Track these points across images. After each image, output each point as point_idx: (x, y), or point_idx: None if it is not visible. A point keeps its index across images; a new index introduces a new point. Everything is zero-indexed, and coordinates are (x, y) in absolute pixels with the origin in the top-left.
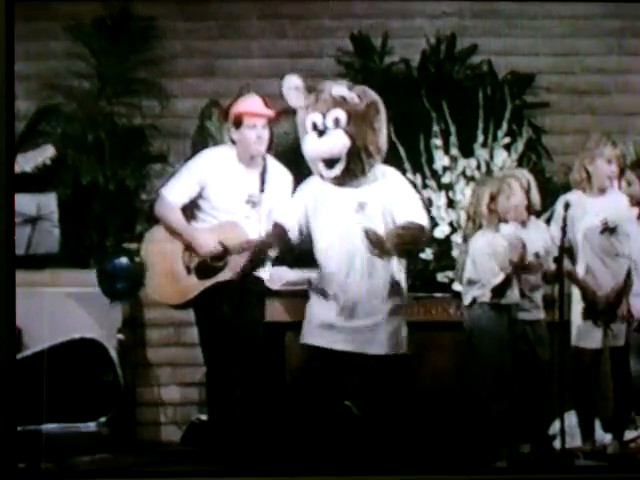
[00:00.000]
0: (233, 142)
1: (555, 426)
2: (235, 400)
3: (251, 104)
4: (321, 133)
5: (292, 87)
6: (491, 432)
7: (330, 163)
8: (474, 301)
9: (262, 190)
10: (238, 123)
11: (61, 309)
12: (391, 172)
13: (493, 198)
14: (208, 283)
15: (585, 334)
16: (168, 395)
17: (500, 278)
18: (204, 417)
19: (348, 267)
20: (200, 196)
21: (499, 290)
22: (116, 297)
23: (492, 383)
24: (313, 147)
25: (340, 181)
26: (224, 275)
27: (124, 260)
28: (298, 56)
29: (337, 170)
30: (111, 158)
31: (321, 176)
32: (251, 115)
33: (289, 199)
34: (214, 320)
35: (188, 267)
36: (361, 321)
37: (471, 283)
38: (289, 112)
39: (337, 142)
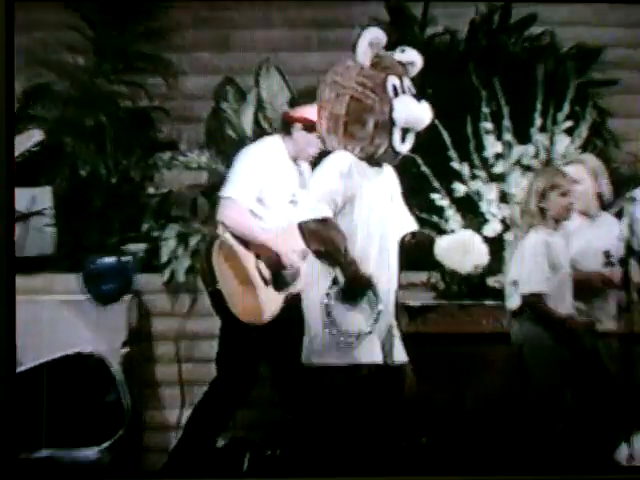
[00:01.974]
0: (288, 134)
1: (623, 449)
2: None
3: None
4: (417, 98)
5: (375, 41)
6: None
7: (404, 135)
8: (522, 309)
9: (303, 187)
10: (309, 127)
11: (56, 319)
12: None
13: (544, 195)
14: (284, 294)
15: None
16: (180, 418)
17: (543, 287)
18: (221, 442)
19: (380, 265)
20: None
21: (533, 298)
22: (104, 300)
23: (546, 404)
24: (412, 111)
25: (377, 160)
26: (301, 284)
27: (111, 259)
28: (325, 26)
29: (408, 145)
30: (113, 146)
31: (390, 149)
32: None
33: (327, 184)
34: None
35: (264, 278)
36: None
37: (516, 284)
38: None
39: (430, 112)
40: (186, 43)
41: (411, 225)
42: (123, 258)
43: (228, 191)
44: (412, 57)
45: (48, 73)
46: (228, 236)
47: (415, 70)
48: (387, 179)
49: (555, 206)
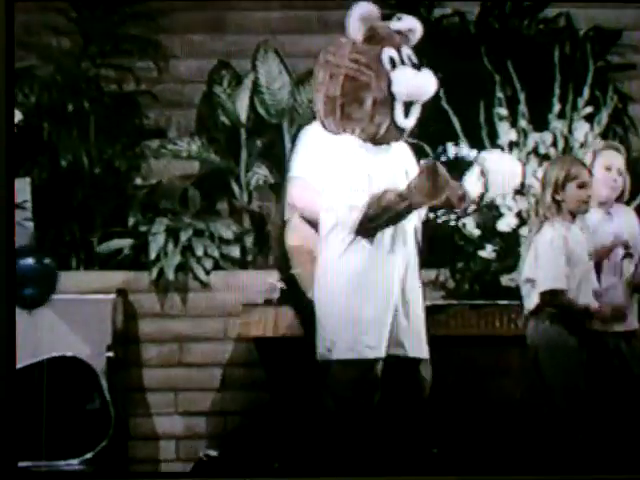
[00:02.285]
0: None
1: None
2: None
3: None
4: (417, 68)
5: (366, 15)
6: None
7: (407, 109)
8: (539, 308)
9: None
10: None
11: (36, 320)
12: None
13: (560, 185)
14: None
15: None
16: (169, 426)
17: (562, 284)
18: (213, 453)
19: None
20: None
21: (551, 296)
22: (26, 305)
23: (563, 411)
24: (412, 82)
25: (380, 140)
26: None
27: (31, 261)
28: (326, 8)
29: (413, 119)
30: (97, 133)
31: (393, 126)
32: None
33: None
34: None
35: None
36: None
37: (530, 282)
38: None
39: (434, 81)
40: (179, 25)
41: None
42: (45, 260)
43: (295, 170)
44: (410, 24)
45: (30, 56)
46: (298, 218)
47: (415, 37)
48: (399, 154)
49: (572, 199)
